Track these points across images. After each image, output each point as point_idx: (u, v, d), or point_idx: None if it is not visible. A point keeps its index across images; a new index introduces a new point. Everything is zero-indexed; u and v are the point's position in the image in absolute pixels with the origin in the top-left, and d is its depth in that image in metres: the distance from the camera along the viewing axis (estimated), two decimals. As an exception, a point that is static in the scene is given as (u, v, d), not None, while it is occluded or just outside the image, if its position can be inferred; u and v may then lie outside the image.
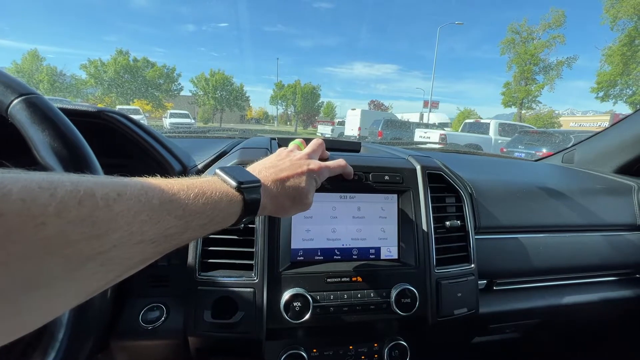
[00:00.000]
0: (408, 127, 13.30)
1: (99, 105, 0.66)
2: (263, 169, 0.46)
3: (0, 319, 0.19)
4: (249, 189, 0.38)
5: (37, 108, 0.38)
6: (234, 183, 0.37)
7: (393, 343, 0.67)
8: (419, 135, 10.98)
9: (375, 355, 0.68)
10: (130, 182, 0.26)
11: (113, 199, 0.23)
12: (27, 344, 0.36)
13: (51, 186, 0.20)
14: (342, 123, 22.65)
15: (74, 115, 0.54)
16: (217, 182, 0.36)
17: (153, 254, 0.28)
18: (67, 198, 0.20)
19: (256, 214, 0.41)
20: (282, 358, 0.62)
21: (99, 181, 0.24)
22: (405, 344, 0.67)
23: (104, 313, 0.44)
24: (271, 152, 0.68)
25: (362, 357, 0.68)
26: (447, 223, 0.70)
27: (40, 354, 0.35)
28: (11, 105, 0.38)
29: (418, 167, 0.71)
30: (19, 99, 0.38)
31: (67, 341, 0.36)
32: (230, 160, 0.67)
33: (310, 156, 0.53)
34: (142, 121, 0.71)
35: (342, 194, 0.67)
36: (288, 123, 48.32)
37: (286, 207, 0.46)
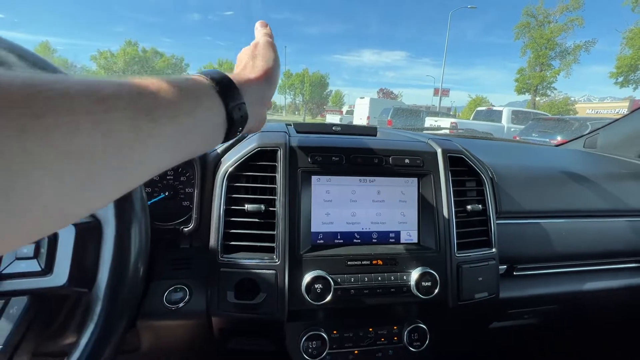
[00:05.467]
0: (418, 115, 13.09)
1: None
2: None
3: None
4: (207, 72, 0.36)
5: None
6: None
7: (413, 326, 0.67)
8: (429, 123, 10.80)
9: (395, 338, 0.69)
10: None
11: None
12: (66, 315, 0.37)
13: None
14: (350, 112, 22.39)
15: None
16: None
17: (112, 118, 0.23)
18: None
19: (232, 84, 0.36)
20: (303, 339, 0.63)
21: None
22: (424, 327, 0.68)
23: (137, 291, 0.45)
24: (290, 136, 0.68)
25: (382, 340, 0.69)
26: (468, 207, 0.69)
27: (78, 329, 0.36)
28: None
29: (439, 151, 0.70)
30: None
31: (104, 314, 0.37)
32: (249, 144, 0.66)
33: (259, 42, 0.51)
34: None
35: (362, 178, 0.66)
36: (296, 112, 48.07)
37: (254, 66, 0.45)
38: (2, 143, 0.17)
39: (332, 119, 24.03)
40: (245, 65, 0.46)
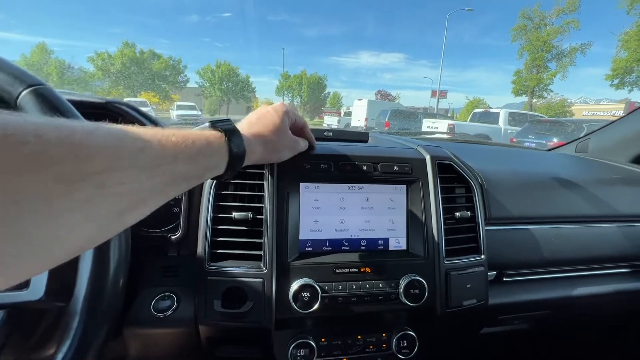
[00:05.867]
0: (416, 117, 13.13)
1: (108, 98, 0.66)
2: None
3: (6, 239, 0.20)
4: (224, 126, 0.41)
5: (46, 99, 0.38)
6: (206, 124, 0.41)
7: (401, 333, 0.67)
8: (426, 125, 10.83)
9: (384, 345, 0.69)
10: (106, 123, 0.28)
11: (93, 128, 0.25)
12: (44, 331, 0.37)
13: (23, 116, 0.22)
14: (348, 114, 22.42)
15: (82, 106, 0.54)
16: (192, 129, 0.39)
17: (149, 186, 0.29)
18: (44, 123, 0.22)
19: (244, 150, 0.42)
20: (291, 347, 0.63)
21: (75, 119, 0.26)
22: (413, 334, 0.67)
23: (116, 302, 0.44)
24: None
25: (371, 347, 0.68)
26: (457, 214, 0.69)
27: (56, 343, 0.35)
28: (20, 96, 0.38)
29: (427, 157, 0.70)
30: (28, 89, 0.38)
31: (81, 329, 0.36)
32: None
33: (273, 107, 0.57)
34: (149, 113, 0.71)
35: (351, 185, 0.66)
36: (294, 114, 47.82)
37: (270, 140, 0.50)
38: (69, 208, 0.22)
39: (330, 120, 24.05)
40: (268, 122, 0.51)
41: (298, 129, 0.60)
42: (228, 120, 0.44)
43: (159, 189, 0.30)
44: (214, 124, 0.41)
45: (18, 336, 0.39)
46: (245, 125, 0.49)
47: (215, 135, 0.38)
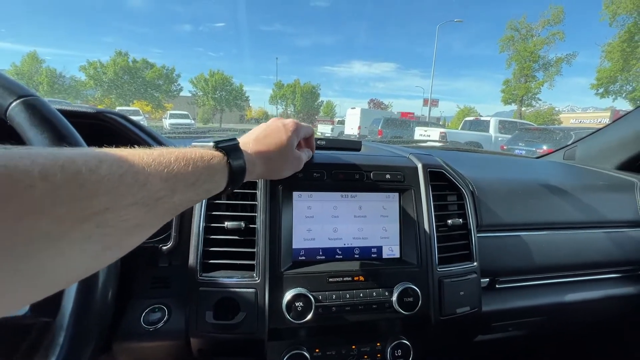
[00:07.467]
0: (408, 125, 13.28)
1: (99, 107, 0.66)
2: (241, 137, 0.49)
3: (7, 275, 0.20)
4: (227, 146, 0.40)
5: (36, 110, 0.38)
6: (211, 144, 0.40)
7: (396, 342, 0.67)
8: (419, 133, 10.96)
9: (378, 355, 0.68)
10: (109, 151, 0.28)
11: (95, 165, 0.24)
12: (29, 346, 0.36)
13: (30, 156, 0.21)
14: (341, 122, 22.63)
15: (73, 116, 0.54)
16: (195, 148, 0.38)
17: (148, 219, 0.29)
18: (49, 164, 0.22)
19: (244, 169, 0.41)
20: (285, 358, 0.62)
21: (78, 151, 0.25)
22: (408, 343, 0.67)
23: (105, 315, 0.43)
24: None
25: (365, 357, 0.68)
26: (449, 221, 0.70)
27: (42, 358, 0.34)
28: (10, 108, 0.37)
29: (419, 166, 0.71)
30: (18, 101, 0.38)
31: (68, 344, 0.35)
32: None
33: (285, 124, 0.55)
34: (142, 122, 0.71)
35: (344, 193, 0.67)
36: (288, 123, 47.93)
37: (273, 159, 0.49)
38: (68, 246, 0.22)
39: (323, 128, 24.21)
40: (276, 140, 0.50)
41: (304, 140, 0.60)
42: (233, 139, 0.43)
43: (158, 218, 0.30)
44: (217, 145, 0.40)
45: (2, 352, 0.38)
46: (252, 140, 0.48)
47: (216, 155, 0.38)
